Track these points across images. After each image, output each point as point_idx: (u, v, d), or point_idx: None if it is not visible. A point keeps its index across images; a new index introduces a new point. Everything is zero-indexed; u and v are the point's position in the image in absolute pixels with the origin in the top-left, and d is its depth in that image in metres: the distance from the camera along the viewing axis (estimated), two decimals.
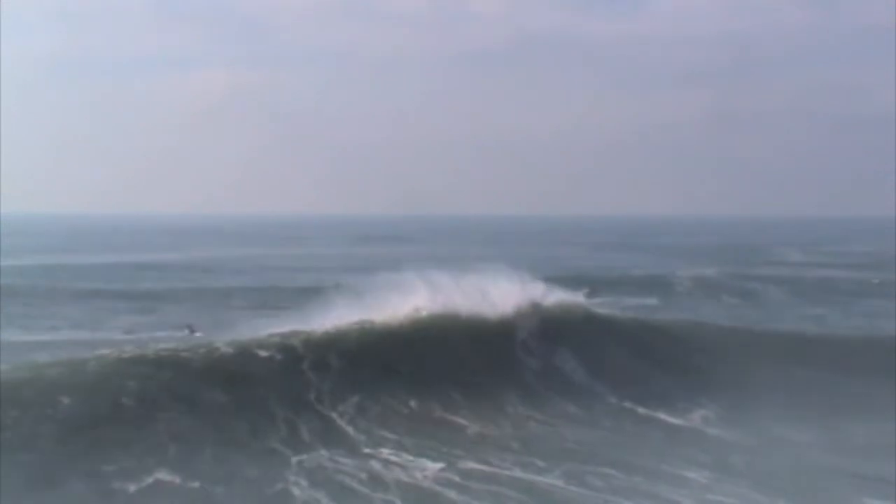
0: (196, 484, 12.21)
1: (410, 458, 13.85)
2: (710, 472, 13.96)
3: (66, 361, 15.32)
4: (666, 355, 20.86)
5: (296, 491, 12.45)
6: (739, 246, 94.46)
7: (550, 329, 20.23)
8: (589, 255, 77.63)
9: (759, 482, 13.49)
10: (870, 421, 17.13)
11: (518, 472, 13.55)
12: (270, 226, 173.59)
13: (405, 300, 19.00)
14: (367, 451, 14.06)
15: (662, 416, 17.51)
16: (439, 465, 13.57)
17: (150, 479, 12.14)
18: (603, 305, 24.79)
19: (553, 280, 23.09)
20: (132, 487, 11.95)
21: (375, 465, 13.52)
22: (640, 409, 17.81)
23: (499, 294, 20.13)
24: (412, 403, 16.09)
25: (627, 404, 17.96)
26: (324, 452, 13.76)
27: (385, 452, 14.06)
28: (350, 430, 14.82)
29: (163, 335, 25.14)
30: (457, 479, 13.13)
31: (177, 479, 12.25)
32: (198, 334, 24.76)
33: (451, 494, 12.59)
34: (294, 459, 13.39)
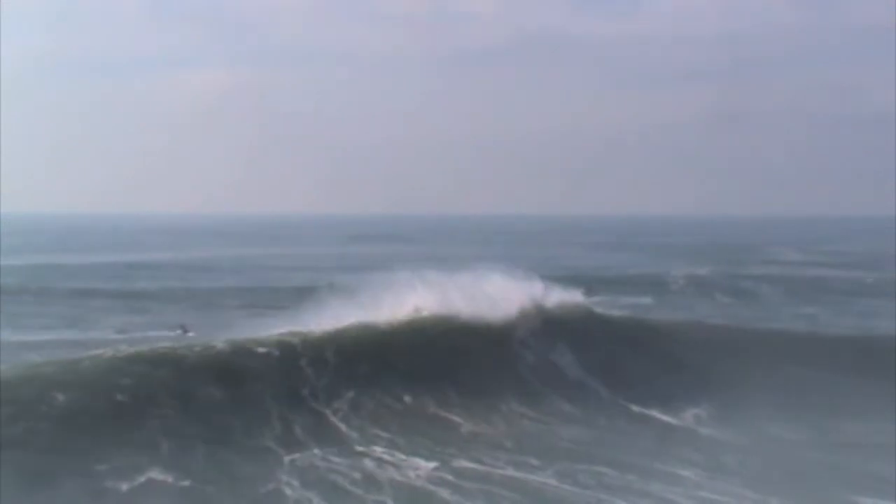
0: (188, 483, 12.20)
1: (403, 456, 13.85)
2: (703, 470, 14.00)
3: (59, 361, 15.30)
4: (660, 354, 20.90)
5: (288, 491, 12.43)
6: (734, 245, 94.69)
7: (547, 328, 20.28)
8: (587, 255, 77.77)
9: (752, 480, 13.53)
10: (862, 419, 17.18)
11: (511, 471, 13.56)
12: (269, 226, 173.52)
13: (404, 300, 19.01)
14: (360, 449, 14.07)
15: (656, 414, 17.56)
16: (433, 464, 13.57)
17: (142, 478, 12.12)
18: (599, 304, 24.84)
19: (550, 279, 23.11)
20: (124, 486, 11.93)
21: (368, 464, 13.51)
22: (634, 408, 17.85)
23: (496, 293, 20.16)
24: (407, 400, 16.10)
25: (622, 402, 18.00)
26: (317, 451, 13.75)
27: (378, 451, 14.06)
28: (343, 427, 14.82)
29: (156, 335, 25.10)
30: (450, 478, 13.13)
31: (169, 478, 12.23)
32: (191, 334, 24.74)
33: (445, 494, 12.59)
34: (287, 458, 13.37)
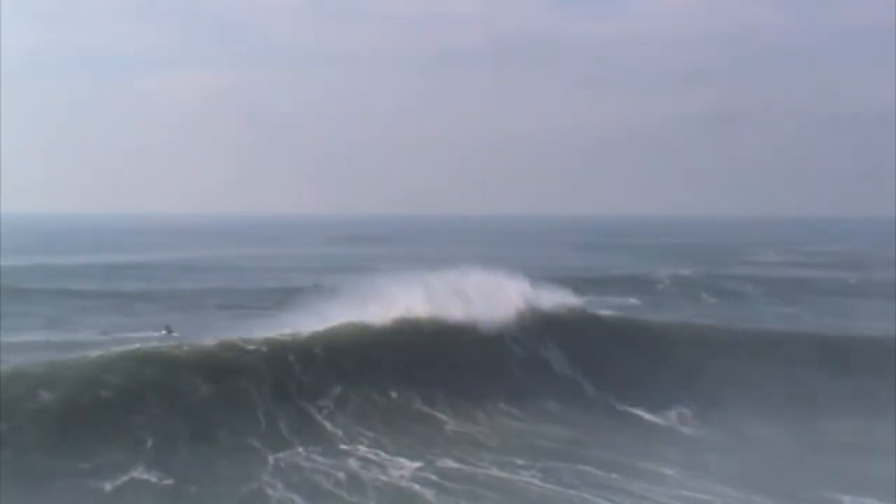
0: (171, 481, 12.18)
1: (388, 456, 13.85)
2: (685, 469, 14.08)
3: (44, 363, 15.18)
4: (646, 353, 20.97)
5: (270, 491, 12.41)
6: (723, 245, 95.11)
7: (535, 327, 20.37)
8: (577, 255, 77.89)
9: (734, 479, 13.61)
10: (842, 418, 17.33)
11: (495, 471, 13.58)
12: (267, 226, 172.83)
13: (394, 300, 19.05)
14: (344, 448, 14.05)
15: (641, 413, 17.66)
16: (417, 464, 13.57)
17: (125, 477, 12.10)
18: (587, 304, 24.90)
19: (539, 279, 23.20)
20: (108, 486, 11.91)
21: (353, 464, 13.51)
22: (620, 406, 17.96)
23: (484, 293, 20.26)
24: (393, 398, 16.11)
25: (607, 401, 18.10)
26: (301, 450, 13.74)
27: (363, 450, 14.06)
28: (329, 425, 14.79)
29: (140, 336, 24.96)
30: (434, 478, 13.13)
31: (152, 478, 12.21)
32: (175, 335, 24.61)
33: (428, 495, 12.57)
34: (271, 457, 13.36)
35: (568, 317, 21.99)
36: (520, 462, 13.94)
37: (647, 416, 17.57)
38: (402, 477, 13.17)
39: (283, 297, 32.48)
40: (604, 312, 24.72)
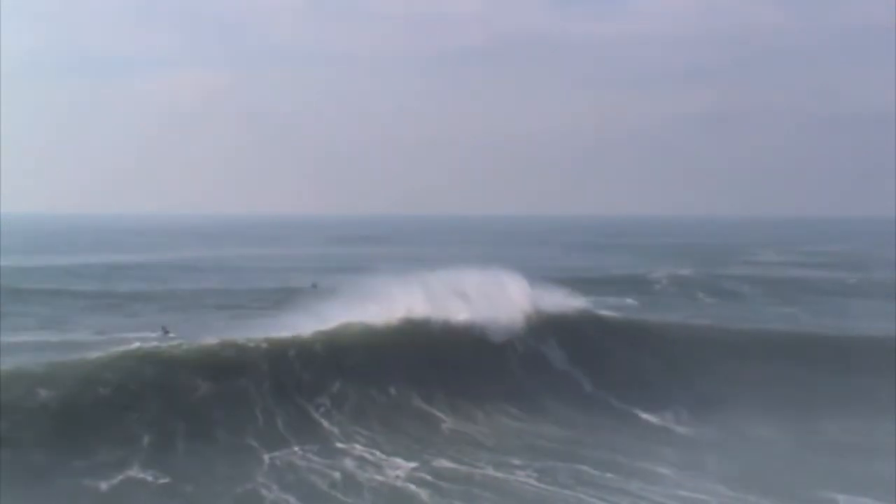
0: (167, 480, 12.16)
1: (384, 456, 13.83)
2: (681, 468, 14.06)
3: (43, 362, 15.18)
4: (644, 352, 20.97)
5: (265, 492, 12.38)
6: (723, 245, 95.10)
7: (534, 327, 20.36)
8: (576, 255, 77.88)
9: (731, 479, 13.59)
10: (839, 418, 17.31)
11: (491, 471, 13.55)
12: (267, 226, 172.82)
13: (394, 300, 19.04)
14: (341, 446, 14.03)
15: (638, 412, 17.64)
16: (413, 464, 13.55)
17: (121, 476, 12.10)
18: (586, 304, 24.88)
19: (538, 279, 23.19)
20: (104, 485, 11.90)
21: (349, 464, 13.48)
22: (617, 406, 17.94)
23: (486, 293, 20.28)
24: (392, 396, 16.11)
25: (605, 400, 18.08)
26: (297, 449, 13.71)
27: (359, 449, 14.03)
28: (326, 423, 14.77)
29: (136, 336, 24.94)
30: (429, 478, 13.10)
31: (148, 476, 12.20)
32: (171, 335, 24.56)
33: (424, 496, 12.52)
34: (267, 456, 13.34)
35: (567, 316, 21.98)
36: (516, 462, 13.91)
37: (645, 416, 17.56)
38: (397, 477, 13.14)
39: (283, 298, 32.45)
40: (603, 312, 24.71)
